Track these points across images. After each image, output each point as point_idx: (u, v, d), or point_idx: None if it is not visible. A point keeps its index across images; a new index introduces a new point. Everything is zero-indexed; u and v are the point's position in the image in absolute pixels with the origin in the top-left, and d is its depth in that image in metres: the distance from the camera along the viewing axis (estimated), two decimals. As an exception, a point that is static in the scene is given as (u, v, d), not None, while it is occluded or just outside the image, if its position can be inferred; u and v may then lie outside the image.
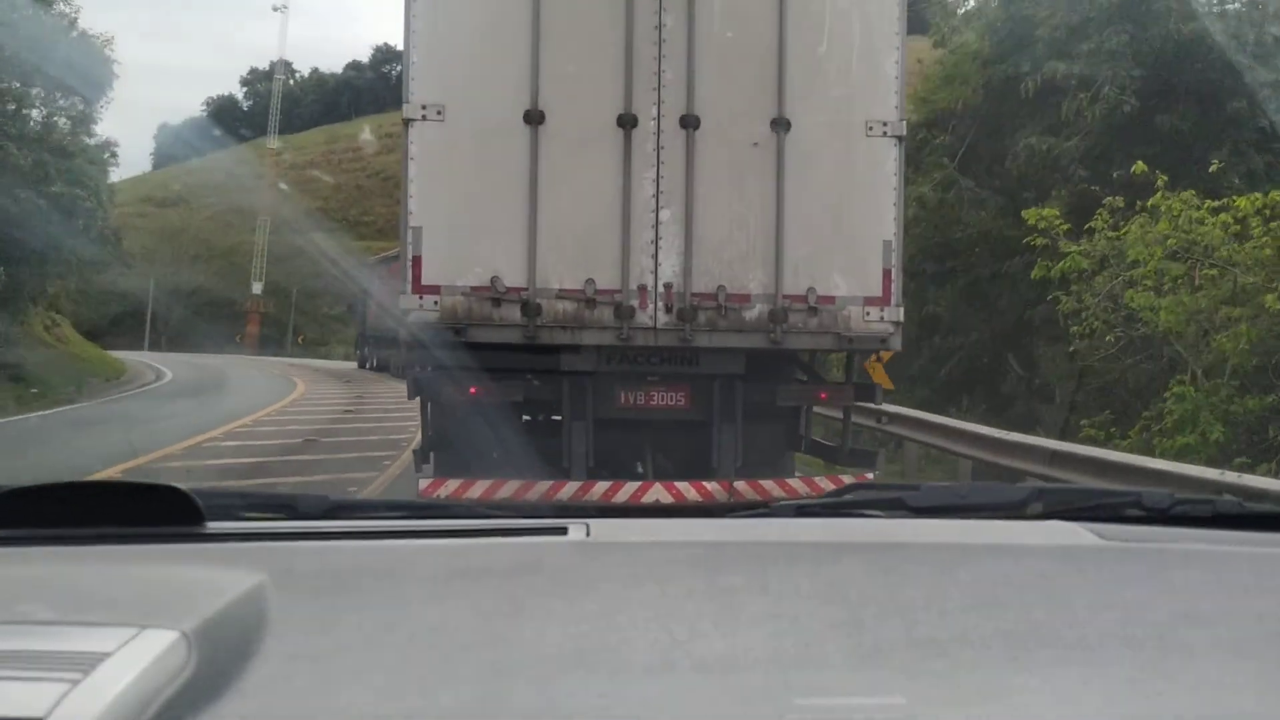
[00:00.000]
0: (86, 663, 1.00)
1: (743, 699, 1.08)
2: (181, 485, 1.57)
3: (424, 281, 6.62)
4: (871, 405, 8.89)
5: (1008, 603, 1.39)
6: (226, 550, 1.54)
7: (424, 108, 6.57)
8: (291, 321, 59.78)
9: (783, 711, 1.05)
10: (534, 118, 6.62)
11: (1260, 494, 6.41)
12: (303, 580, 1.41)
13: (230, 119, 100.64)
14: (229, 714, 1.00)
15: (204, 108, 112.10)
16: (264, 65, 76.51)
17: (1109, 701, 1.09)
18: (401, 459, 12.19)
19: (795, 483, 7.26)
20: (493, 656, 1.16)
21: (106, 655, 1.02)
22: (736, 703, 1.08)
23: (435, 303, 6.63)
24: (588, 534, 1.67)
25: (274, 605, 1.26)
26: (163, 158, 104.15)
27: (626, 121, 6.68)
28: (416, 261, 6.60)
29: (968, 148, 17.92)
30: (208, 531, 1.59)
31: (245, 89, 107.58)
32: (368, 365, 35.70)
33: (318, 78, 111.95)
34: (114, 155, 29.28)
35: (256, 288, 59.37)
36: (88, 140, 27.41)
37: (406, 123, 6.60)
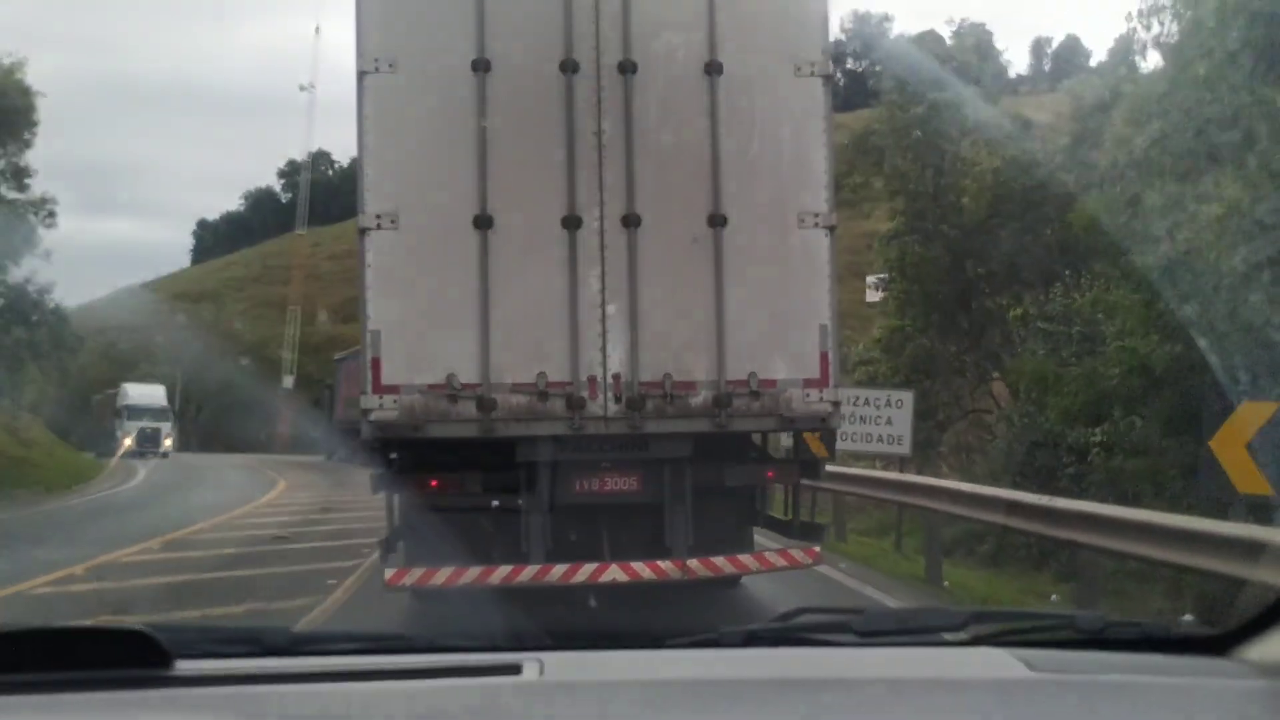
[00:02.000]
0: None
1: None
2: (146, 628, 1.65)
3: (384, 381, 6.97)
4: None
5: None
6: (194, 696, 1.61)
7: (378, 217, 6.97)
8: (328, 414, 59.70)
9: None
10: (483, 222, 7.02)
11: None
12: None
13: (268, 212, 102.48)
14: None
15: (242, 202, 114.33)
16: (302, 157, 77.74)
17: None
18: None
19: (747, 559, 7.49)
20: None
21: None
22: None
23: (395, 401, 6.97)
24: (541, 672, 1.72)
25: None
26: (200, 254, 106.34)
27: (571, 223, 7.07)
28: (375, 363, 6.97)
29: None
30: (176, 674, 1.63)
31: (283, 181, 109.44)
32: (335, 456, 35.64)
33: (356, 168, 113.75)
34: (52, 215, 26.84)
35: (288, 382, 58.23)
36: (11, 193, 25.01)
37: (362, 232, 7.01)
